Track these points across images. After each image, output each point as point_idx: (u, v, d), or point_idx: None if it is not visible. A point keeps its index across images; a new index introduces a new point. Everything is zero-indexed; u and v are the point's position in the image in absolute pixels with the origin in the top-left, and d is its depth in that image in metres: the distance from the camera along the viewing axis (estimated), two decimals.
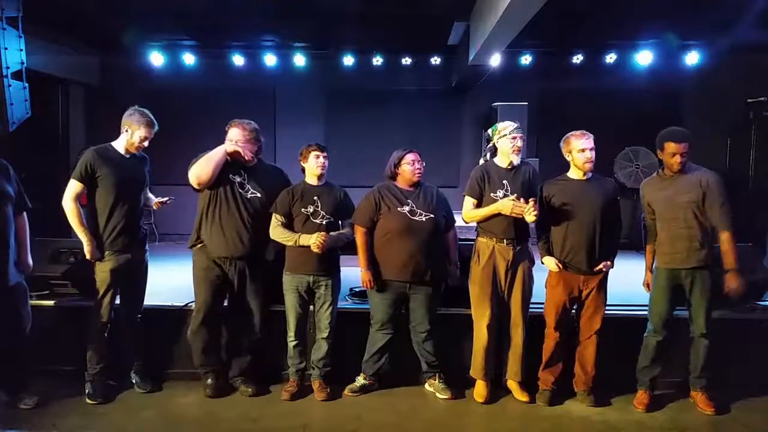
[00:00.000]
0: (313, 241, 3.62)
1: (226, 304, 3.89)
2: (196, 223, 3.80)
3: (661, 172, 3.68)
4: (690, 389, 3.77)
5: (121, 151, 3.70)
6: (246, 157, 3.70)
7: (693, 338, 3.67)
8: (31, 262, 3.68)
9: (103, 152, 3.67)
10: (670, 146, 3.53)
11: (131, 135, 3.64)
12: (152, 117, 3.68)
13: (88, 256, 3.63)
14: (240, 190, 3.71)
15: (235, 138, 3.69)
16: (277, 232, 3.72)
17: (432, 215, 3.73)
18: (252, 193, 3.73)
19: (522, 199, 3.53)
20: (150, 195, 3.98)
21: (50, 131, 7.43)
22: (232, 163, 3.72)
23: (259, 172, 3.81)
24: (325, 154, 3.75)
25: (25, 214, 3.64)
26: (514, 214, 3.52)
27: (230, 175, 3.71)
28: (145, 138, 3.65)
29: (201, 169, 3.64)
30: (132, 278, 3.79)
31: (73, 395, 3.72)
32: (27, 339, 3.61)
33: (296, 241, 3.66)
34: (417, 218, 3.70)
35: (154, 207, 3.77)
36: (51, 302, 4.09)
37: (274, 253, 3.85)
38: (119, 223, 3.63)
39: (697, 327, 3.62)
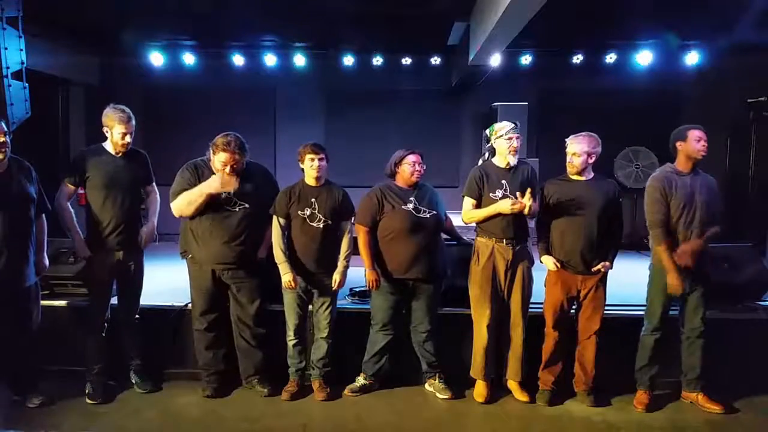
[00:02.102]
0: (285, 280, 3.67)
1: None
2: (182, 238, 3.78)
3: (673, 167, 3.68)
4: (683, 390, 3.77)
5: (112, 151, 3.70)
6: (232, 189, 3.61)
7: (688, 339, 3.68)
8: (47, 263, 3.71)
9: (92, 153, 3.71)
10: (695, 133, 3.62)
11: (111, 134, 3.64)
12: (127, 111, 3.64)
13: (79, 254, 3.70)
14: (227, 206, 3.65)
15: (225, 162, 3.56)
16: (275, 240, 3.70)
17: (435, 212, 3.75)
18: (240, 205, 3.67)
19: (518, 194, 3.54)
20: (156, 196, 3.95)
21: (50, 131, 7.42)
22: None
23: (245, 178, 3.71)
24: (320, 156, 3.69)
25: (44, 216, 3.65)
26: (514, 211, 3.52)
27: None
28: (124, 134, 3.62)
29: (182, 209, 3.64)
30: (126, 277, 3.79)
31: (74, 395, 3.72)
32: (36, 339, 3.62)
33: (280, 263, 3.68)
34: (422, 215, 3.71)
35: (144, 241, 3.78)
36: (51, 303, 4.07)
37: (267, 253, 3.83)
38: (110, 223, 3.65)
39: (695, 326, 3.63)
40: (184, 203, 3.62)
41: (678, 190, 3.58)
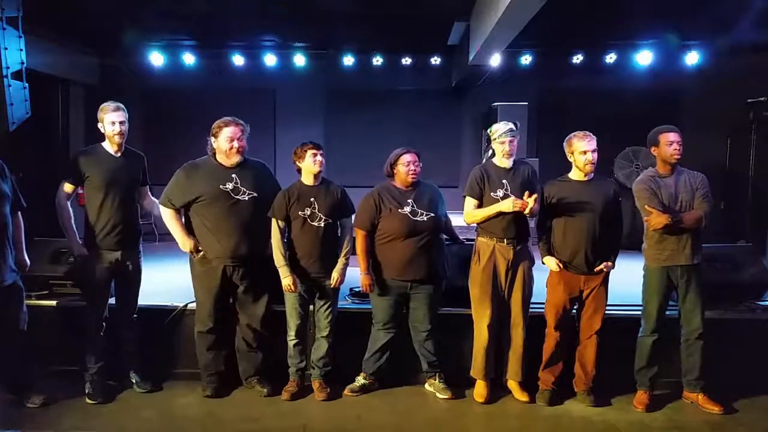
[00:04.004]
0: (285, 283, 3.66)
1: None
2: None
3: (655, 170, 3.69)
4: (684, 391, 3.77)
5: (110, 150, 3.71)
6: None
7: (687, 341, 3.67)
8: (27, 260, 3.69)
9: (91, 153, 3.73)
10: (668, 136, 3.59)
11: (105, 127, 3.66)
12: (116, 102, 3.68)
13: (74, 253, 3.73)
14: (235, 196, 3.66)
15: (235, 135, 3.63)
16: (275, 243, 3.69)
17: (433, 214, 3.74)
18: (248, 194, 3.68)
19: (526, 194, 3.53)
20: (152, 198, 3.97)
21: (50, 131, 7.43)
22: (221, 171, 3.68)
23: (250, 170, 3.76)
24: (322, 151, 3.71)
25: (20, 213, 3.64)
26: (516, 209, 3.52)
27: (221, 186, 3.65)
28: (114, 122, 3.63)
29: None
30: (125, 277, 3.79)
31: (73, 395, 3.72)
32: (26, 338, 3.60)
33: (280, 267, 3.67)
34: (419, 218, 3.70)
35: None
36: (50, 302, 4.08)
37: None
38: (108, 222, 3.65)
39: (694, 328, 3.63)
40: (167, 224, 3.74)
41: (662, 191, 3.59)
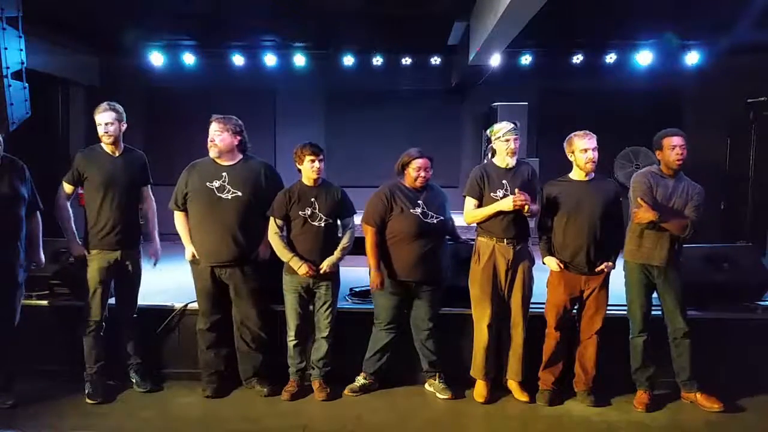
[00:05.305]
0: (302, 272, 3.62)
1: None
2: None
3: (658, 168, 3.69)
4: (682, 391, 3.76)
5: (108, 150, 3.72)
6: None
7: (675, 340, 3.67)
8: (43, 259, 3.77)
9: (90, 153, 3.75)
10: (671, 140, 3.59)
11: (97, 128, 3.68)
12: (106, 104, 3.69)
13: (73, 253, 3.75)
14: (219, 194, 3.66)
15: (212, 130, 3.67)
16: (274, 241, 3.69)
17: (442, 217, 3.74)
18: (232, 193, 3.67)
19: (517, 190, 3.53)
20: (152, 205, 3.98)
21: (50, 131, 7.43)
22: (213, 168, 3.70)
23: (242, 169, 3.75)
24: (320, 157, 3.68)
25: (38, 213, 3.70)
26: (516, 206, 3.51)
27: (207, 183, 3.67)
28: (104, 123, 3.65)
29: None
30: (124, 277, 3.80)
31: (73, 395, 3.72)
32: (17, 338, 3.61)
33: (289, 260, 3.65)
34: (429, 220, 3.70)
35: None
36: (49, 302, 4.09)
37: (270, 253, 3.82)
38: (107, 222, 3.66)
39: (678, 327, 3.63)
40: (177, 227, 3.80)
41: (659, 188, 3.60)
